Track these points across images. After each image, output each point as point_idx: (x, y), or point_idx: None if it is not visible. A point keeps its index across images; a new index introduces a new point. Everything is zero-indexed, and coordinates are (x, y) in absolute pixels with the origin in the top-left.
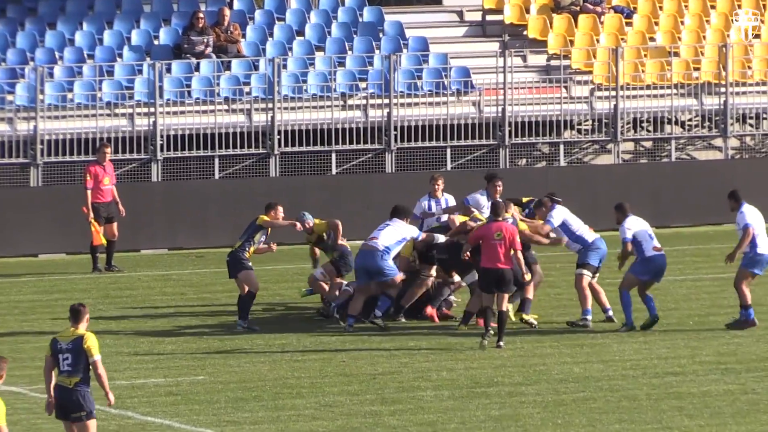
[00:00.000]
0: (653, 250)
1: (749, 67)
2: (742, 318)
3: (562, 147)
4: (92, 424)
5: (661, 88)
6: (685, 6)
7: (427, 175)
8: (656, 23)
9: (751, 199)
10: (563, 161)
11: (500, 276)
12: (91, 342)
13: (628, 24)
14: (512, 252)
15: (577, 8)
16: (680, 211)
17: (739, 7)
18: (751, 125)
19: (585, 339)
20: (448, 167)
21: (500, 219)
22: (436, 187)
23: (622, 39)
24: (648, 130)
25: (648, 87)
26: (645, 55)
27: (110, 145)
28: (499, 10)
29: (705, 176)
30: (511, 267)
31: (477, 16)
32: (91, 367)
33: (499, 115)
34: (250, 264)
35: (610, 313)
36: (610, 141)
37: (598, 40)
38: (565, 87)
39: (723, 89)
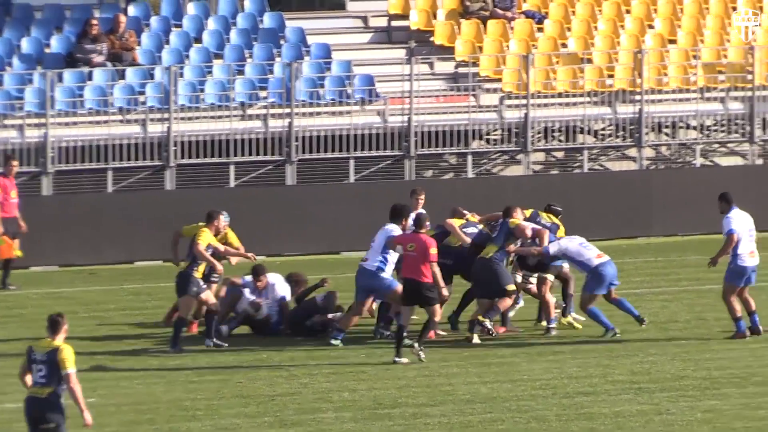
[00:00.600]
0: (597, 259)
1: (665, 74)
2: (739, 331)
3: (470, 158)
4: None
5: (574, 96)
6: (599, 11)
7: (330, 187)
8: (568, 28)
9: (668, 210)
10: (471, 172)
11: (414, 288)
12: (66, 354)
13: (539, 29)
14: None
15: (487, 13)
16: (593, 224)
17: (655, 11)
18: (666, 134)
19: (492, 358)
20: (352, 179)
21: (421, 231)
22: (419, 201)
23: (533, 45)
24: (559, 140)
25: (560, 95)
26: (557, 62)
27: (17, 158)
28: (404, 16)
29: (619, 188)
30: (428, 281)
31: (382, 22)
32: (63, 380)
33: (405, 124)
34: (196, 287)
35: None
36: (520, 151)
37: (507, 47)
38: (474, 95)
39: (638, 97)
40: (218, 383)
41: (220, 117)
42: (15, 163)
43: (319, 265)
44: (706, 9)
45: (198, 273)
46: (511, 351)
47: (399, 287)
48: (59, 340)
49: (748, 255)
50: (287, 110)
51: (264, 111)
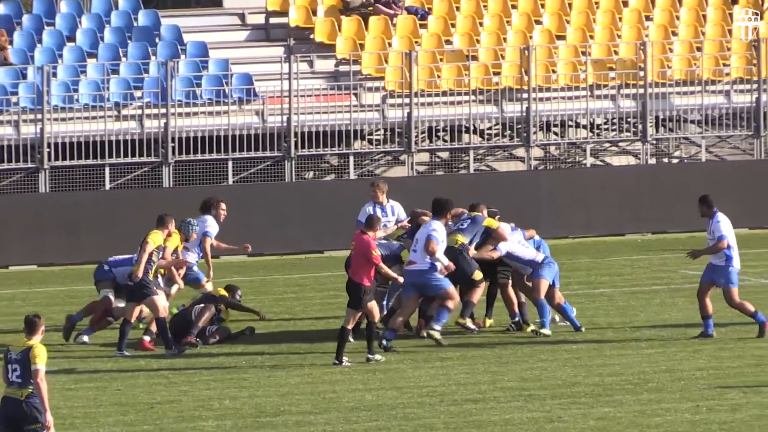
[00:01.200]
0: (539, 257)
1: (553, 71)
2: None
3: (351, 159)
4: None
5: (459, 94)
6: (484, 6)
7: (208, 190)
8: (453, 25)
9: (557, 212)
10: (353, 174)
11: (353, 287)
12: (38, 350)
13: (423, 26)
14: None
15: (369, 9)
16: None
17: (543, 7)
18: (555, 134)
19: (378, 365)
20: (230, 181)
21: (366, 232)
22: (378, 193)
23: (416, 42)
24: (444, 140)
25: (444, 93)
26: (441, 60)
27: None
28: (283, 13)
29: (506, 188)
30: (366, 282)
31: (260, 19)
32: (31, 376)
33: (284, 125)
34: (153, 288)
35: (517, 319)
36: (403, 152)
37: (390, 44)
38: (355, 94)
39: (525, 95)
40: (96, 390)
41: (94, 117)
42: None
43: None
44: (596, 4)
45: (151, 276)
46: (397, 357)
47: (452, 287)
48: (35, 340)
49: (738, 256)
50: (163, 110)
51: (139, 111)
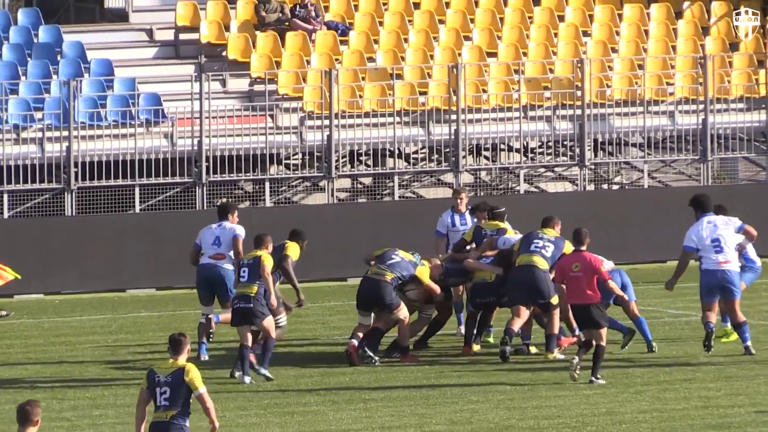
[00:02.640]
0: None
1: (484, 91)
2: None
3: (267, 185)
4: None
5: (382, 116)
6: (410, 21)
7: (113, 218)
8: (376, 41)
9: None
10: (269, 201)
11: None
12: (194, 374)
13: (344, 42)
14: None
15: (285, 25)
16: None
17: (473, 22)
18: (486, 158)
19: (296, 406)
20: (137, 209)
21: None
22: (459, 201)
23: (337, 60)
24: (367, 165)
25: (366, 115)
26: (363, 78)
27: None
28: (194, 28)
29: (433, 217)
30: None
31: (169, 35)
32: (197, 401)
33: (195, 148)
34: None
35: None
36: (323, 177)
37: (308, 62)
38: (271, 116)
39: (454, 117)
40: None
41: None
42: None
43: (100, 303)
44: (530, 19)
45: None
46: (317, 399)
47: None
48: (182, 360)
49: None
50: (65, 133)
51: (40, 134)
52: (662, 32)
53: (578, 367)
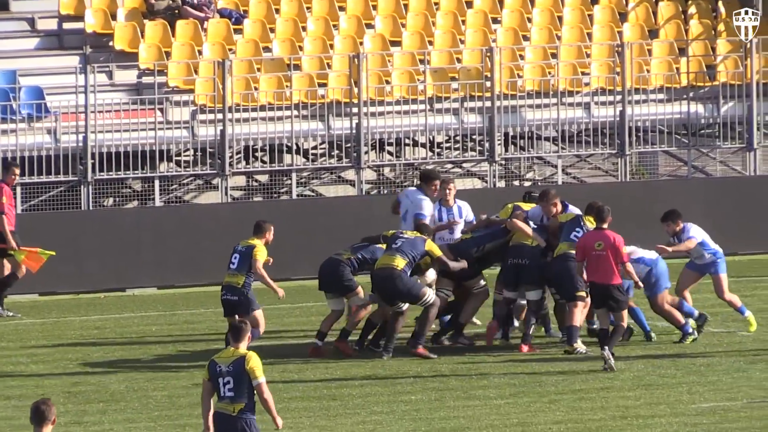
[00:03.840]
0: None
1: (387, 82)
2: None
3: (157, 183)
4: None
5: (279, 109)
6: (308, 8)
7: None
8: (272, 30)
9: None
10: (159, 200)
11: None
12: (254, 362)
13: (238, 31)
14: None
15: (176, 13)
16: (303, 259)
17: (375, 8)
18: (390, 153)
19: (189, 419)
20: (19, 209)
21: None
22: (447, 192)
23: (231, 50)
24: (263, 161)
25: (262, 108)
26: (258, 70)
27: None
28: (78, 17)
29: (334, 216)
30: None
31: (52, 25)
32: (255, 390)
33: (80, 144)
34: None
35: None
36: (216, 175)
37: (200, 52)
38: (161, 109)
39: (355, 110)
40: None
41: None
42: (17, 171)
43: None
44: (436, 5)
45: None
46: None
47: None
48: (243, 348)
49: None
50: None
51: None
52: (577, 18)
53: (611, 358)
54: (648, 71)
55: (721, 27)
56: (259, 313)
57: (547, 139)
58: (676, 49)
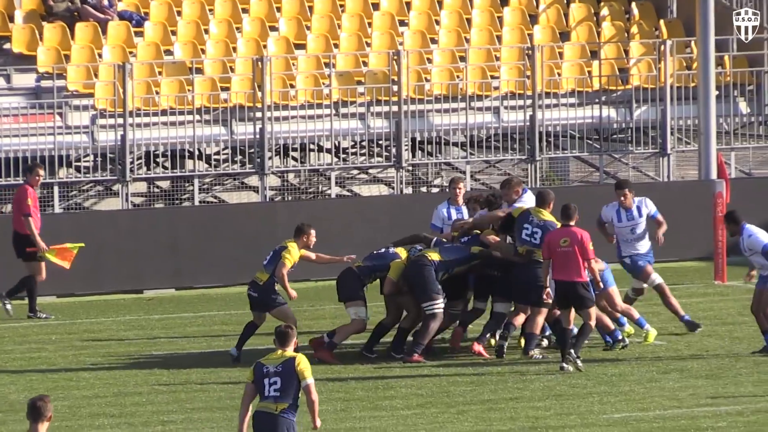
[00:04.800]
0: None
1: (291, 86)
2: None
3: (56, 189)
4: None
5: (181, 113)
6: (210, 10)
7: None
8: (173, 32)
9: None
10: (58, 207)
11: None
12: (304, 364)
13: (138, 34)
14: None
15: (75, 15)
16: (205, 267)
17: (279, 11)
18: (294, 159)
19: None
20: None
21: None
22: (457, 191)
23: (131, 53)
24: (165, 167)
25: (164, 113)
26: (160, 73)
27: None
28: None
29: (237, 223)
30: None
31: None
32: (303, 392)
33: None
34: (281, 298)
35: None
36: (116, 181)
37: (100, 55)
38: (60, 114)
39: (259, 114)
40: None
41: None
42: (41, 172)
43: None
44: (342, 7)
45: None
46: (111, 421)
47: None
48: (291, 351)
49: None
50: None
51: None
52: (486, 21)
53: (578, 360)
54: (559, 75)
55: (634, 29)
56: (283, 309)
57: (455, 144)
58: (588, 51)
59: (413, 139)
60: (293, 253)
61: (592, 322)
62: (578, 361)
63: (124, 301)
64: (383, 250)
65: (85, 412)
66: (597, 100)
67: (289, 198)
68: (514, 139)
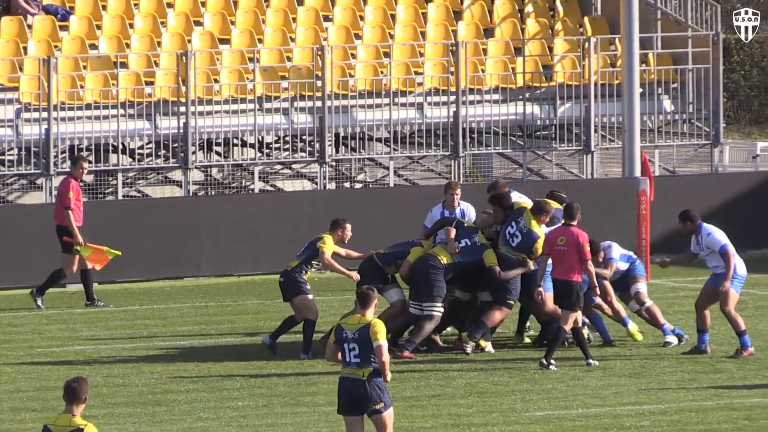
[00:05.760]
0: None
1: (216, 81)
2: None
3: None
4: (389, 414)
5: (105, 108)
6: (135, 5)
7: None
8: (99, 27)
9: (221, 246)
10: None
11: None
12: (378, 327)
13: (63, 28)
14: None
15: (3, 6)
16: (128, 261)
17: (204, 6)
18: (218, 154)
19: (12, 423)
20: None
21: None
22: (454, 196)
23: (56, 47)
24: (89, 161)
25: (88, 107)
26: (84, 67)
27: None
28: None
29: (161, 218)
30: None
31: None
32: (375, 351)
33: None
34: (308, 287)
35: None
36: (40, 175)
37: (25, 49)
38: None
39: (183, 109)
40: None
41: None
42: (86, 165)
43: None
44: (266, 2)
45: (305, 276)
46: (31, 415)
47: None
48: (370, 315)
49: (741, 263)
50: None
51: None
52: (410, 17)
53: (552, 364)
54: (483, 71)
55: (558, 26)
56: (303, 299)
57: (378, 140)
58: (512, 48)
59: (337, 135)
60: (329, 244)
61: (568, 327)
62: (551, 367)
63: (47, 295)
64: (409, 239)
65: (6, 406)
66: (521, 97)
67: (213, 192)
68: (438, 135)
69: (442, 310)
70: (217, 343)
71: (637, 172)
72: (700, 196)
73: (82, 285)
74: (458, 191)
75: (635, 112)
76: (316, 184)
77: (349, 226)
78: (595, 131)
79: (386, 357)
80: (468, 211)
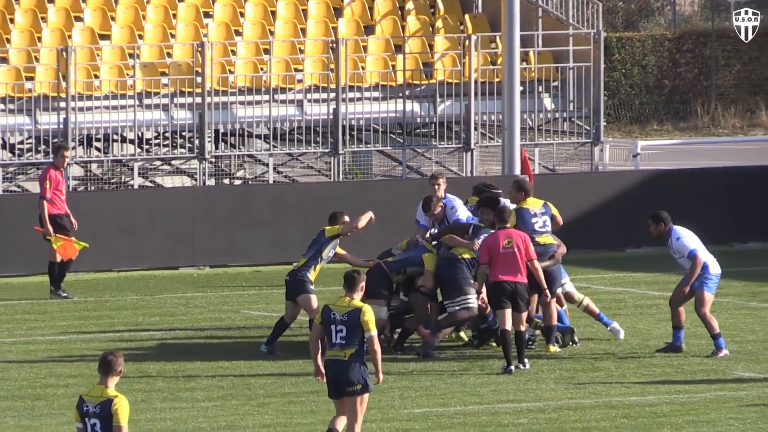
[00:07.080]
0: None
1: (96, 76)
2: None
3: None
4: (362, 399)
5: None
6: (16, 0)
7: None
8: None
9: (98, 240)
10: None
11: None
12: (369, 315)
13: None
14: None
15: None
16: (8, 256)
17: (84, 1)
18: (98, 149)
19: None
20: None
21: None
22: (436, 188)
23: None
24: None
25: None
26: None
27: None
28: None
29: (37, 212)
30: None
31: None
32: (366, 342)
33: None
34: (313, 287)
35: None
36: None
37: None
38: None
39: (63, 105)
40: None
41: None
42: (67, 153)
43: None
44: None
45: (312, 275)
46: None
47: None
48: (358, 300)
49: (715, 263)
50: None
51: None
52: (291, 13)
53: (527, 365)
54: (363, 68)
55: (439, 24)
56: (306, 298)
57: (258, 136)
58: (393, 46)
59: (216, 131)
60: (332, 231)
61: (522, 327)
62: (522, 365)
63: None
64: (416, 244)
65: None
66: (401, 95)
67: (92, 188)
68: (318, 132)
69: (476, 301)
70: (96, 338)
71: (517, 170)
72: (581, 194)
73: (48, 275)
74: (440, 182)
75: (515, 110)
76: (196, 180)
77: (347, 218)
78: (475, 129)
79: (378, 347)
80: (456, 204)
